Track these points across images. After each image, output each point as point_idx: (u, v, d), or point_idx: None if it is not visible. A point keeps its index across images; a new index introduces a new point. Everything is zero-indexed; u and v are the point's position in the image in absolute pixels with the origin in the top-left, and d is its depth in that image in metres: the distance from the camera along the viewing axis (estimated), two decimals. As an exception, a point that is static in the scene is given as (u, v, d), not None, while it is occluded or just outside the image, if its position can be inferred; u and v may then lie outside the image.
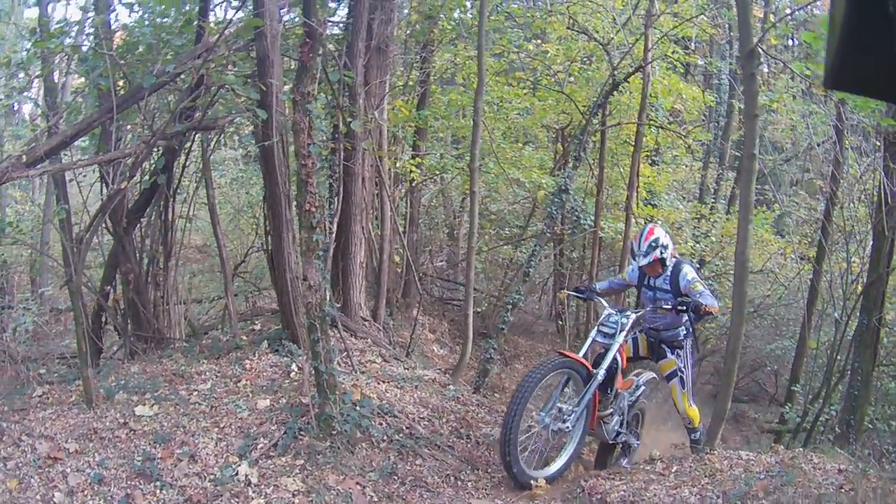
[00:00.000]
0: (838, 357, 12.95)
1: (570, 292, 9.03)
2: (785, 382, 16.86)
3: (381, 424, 7.44)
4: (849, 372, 12.07)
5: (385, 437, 7.27)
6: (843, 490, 6.91)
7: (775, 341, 18.85)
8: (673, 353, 8.25)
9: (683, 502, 6.96)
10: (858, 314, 12.02)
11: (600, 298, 8.25)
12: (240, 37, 8.26)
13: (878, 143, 12.62)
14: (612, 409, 7.98)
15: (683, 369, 8.29)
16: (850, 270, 13.41)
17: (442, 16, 13.33)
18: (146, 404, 7.11)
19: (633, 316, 7.66)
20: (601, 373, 7.34)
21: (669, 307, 7.77)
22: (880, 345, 12.18)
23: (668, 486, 7.36)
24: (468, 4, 14.33)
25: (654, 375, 8.85)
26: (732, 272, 11.16)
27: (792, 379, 15.18)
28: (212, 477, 6.24)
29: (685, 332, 8.30)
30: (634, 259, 7.96)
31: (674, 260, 8.09)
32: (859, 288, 12.66)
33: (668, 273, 8.05)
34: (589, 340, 7.78)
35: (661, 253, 7.86)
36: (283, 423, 7.02)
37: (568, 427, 7.43)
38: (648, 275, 8.18)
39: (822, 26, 9.69)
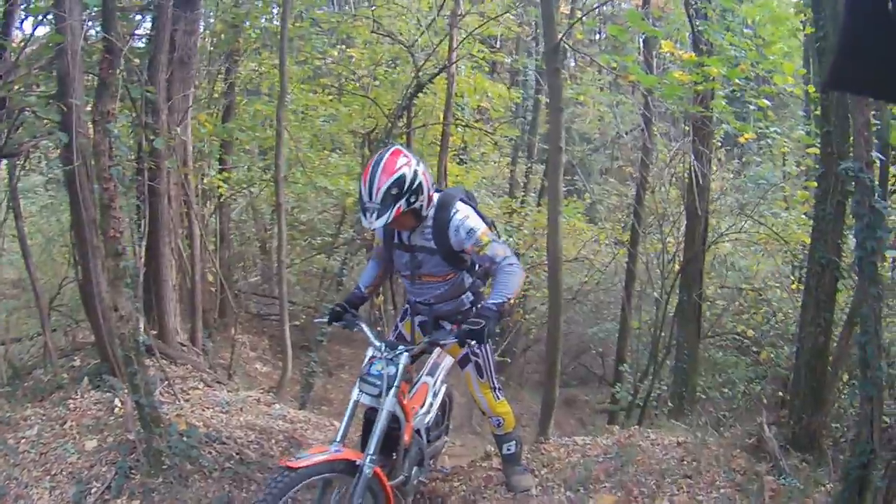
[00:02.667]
0: (662, 334, 13.38)
1: (321, 319, 5.96)
2: (612, 363, 17.35)
3: (210, 453, 7.12)
4: (674, 347, 12.44)
5: (217, 466, 6.95)
6: (685, 462, 7.03)
7: (597, 324, 19.47)
8: None
9: (525, 495, 6.93)
10: (678, 291, 12.40)
11: (363, 325, 5.39)
12: (42, 55, 7.76)
13: (686, 128, 13.10)
14: (404, 475, 5.53)
15: (478, 351, 5.79)
16: (666, 251, 13.84)
17: (247, 24, 13.06)
18: (-26, 458, 6.59)
19: (405, 356, 5.01)
20: (368, 462, 4.71)
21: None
22: (703, 318, 12.64)
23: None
24: (274, 11, 14.09)
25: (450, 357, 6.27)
26: (546, 263, 11.30)
27: (618, 359, 15.66)
28: (52, 529, 5.84)
29: (470, 299, 5.79)
30: (364, 214, 4.91)
31: (434, 197, 5.26)
32: (676, 267, 13.08)
33: (430, 221, 5.26)
34: (351, 405, 5.10)
35: (411, 201, 4.94)
36: (112, 463, 6.63)
37: None
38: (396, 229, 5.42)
39: (629, 19, 9.93)
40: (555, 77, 9.38)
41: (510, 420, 6.25)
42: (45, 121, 7.83)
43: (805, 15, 10.08)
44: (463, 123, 15.45)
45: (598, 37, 25.84)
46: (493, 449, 8.55)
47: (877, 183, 6.30)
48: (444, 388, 6.28)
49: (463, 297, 5.74)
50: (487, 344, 5.64)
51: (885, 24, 1.26)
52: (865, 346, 5.66)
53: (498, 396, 6.06)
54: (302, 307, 16.90)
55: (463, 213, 5.18)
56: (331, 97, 15.72)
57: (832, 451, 7.58)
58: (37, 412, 7.63)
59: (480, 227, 5.14)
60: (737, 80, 10.77)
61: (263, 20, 14.05)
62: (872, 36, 1.28)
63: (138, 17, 9.85)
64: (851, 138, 6.33)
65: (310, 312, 16.20)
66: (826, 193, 7.46)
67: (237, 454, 7.32)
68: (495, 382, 6.06)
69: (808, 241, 8.74)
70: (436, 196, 5.29)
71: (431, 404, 5.99)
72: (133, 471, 6.51)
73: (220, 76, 14.15)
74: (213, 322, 13.31)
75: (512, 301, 5.05)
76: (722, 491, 6.53)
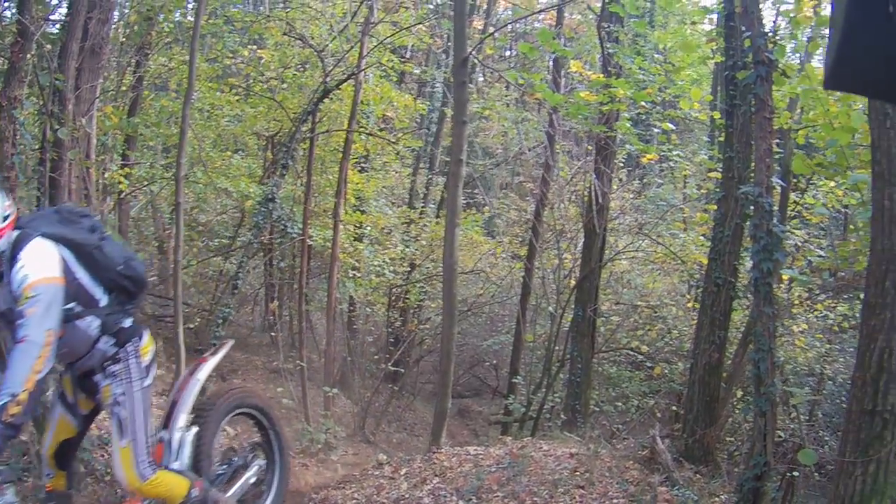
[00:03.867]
0: (556, 347, 13.56)
1: None
2: (505, 375, 17.49)
3: (102, 457, 6.96)
4: (568, 361, 12.63)
5: (109, 470, 6.78)
6: (577, 473, 7.17)
7: (491, 337, 19.55)
8: (108, 379, 4.54)
9: (416, 503, 6.99)
10: (573, 307, 12.60)
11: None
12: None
13: (589, 147, 13.34)
14: None
15: (123, 398, 4.57)
16: (563, 266, 14.04)
17: (161, 17, 12.84)
18: None
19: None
20: None
21: None
22: (597, 333, 12.87)
23: (400, 489, 7.39)
24: (189, 6, 13.90)
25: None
26: (442, 274, 11.38)
27: (512, 371, 15.80)
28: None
29: (112, 342, 4.59)
30: None
31: (12, 235, 4.06)
32: (572, 282, 13.28)
33: (6, 267, 4.05)
34: None
35: None
36: (5, 464, 6.37)
37: None
38: None
39: (540, 38, 10.10)
40: (461, 90, 9.50)
41: (174, 494, 4.71)
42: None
43: (716, 44, 10.38)
44: (367, 131, 15.44)
45: (508, 53, 26.14)
46: (384, 458, 8.60)
47: (776, 208, 6.56)
48: (194, 430, 5.06)
49: (99, 345, 4.52)
50: (135, 389, 4.61)
51: (885, 24, 1.28)
52: (759, 364, 5.87)
53: (145, 470, 4.51)
54: (197, 310, 16.59)
55: (25, 259, 3.96)
56: (238, 97, 15.55)
57: (726, 463, 7.85)
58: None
59: (34, 276, 3.91)
60: (643, 103, 11.07)
61: (178, 14, 13.78)
62: (872, 36, 1.30)
63: (55, 1, 9.61)
64: (753, 164, 6.54)
65: (205, 315, 15.96)
66: (725, 216, 7.75)
67: (129, 458, 7.17)
68: (146, 448, 4.60)
69: (705, 261, 9.04)
70: (13, 236, 4.07)
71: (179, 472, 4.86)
72: (26, 473, 6.22)
73: (129, 69, 13.81)
74: (109, 323, 12.99)
75: (25, 391, 3.67)
76: (615, 502, 6.68)
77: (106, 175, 12.68)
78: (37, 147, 8.36)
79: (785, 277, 9.16)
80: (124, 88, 13.51)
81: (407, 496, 7.30)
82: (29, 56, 6.71)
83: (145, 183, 15.67)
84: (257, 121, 15.73)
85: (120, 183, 13.04)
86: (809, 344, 10.95)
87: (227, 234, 18.16)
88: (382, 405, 16.47)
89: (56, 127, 8.38)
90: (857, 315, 7.72)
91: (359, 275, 16.66)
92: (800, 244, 10.61)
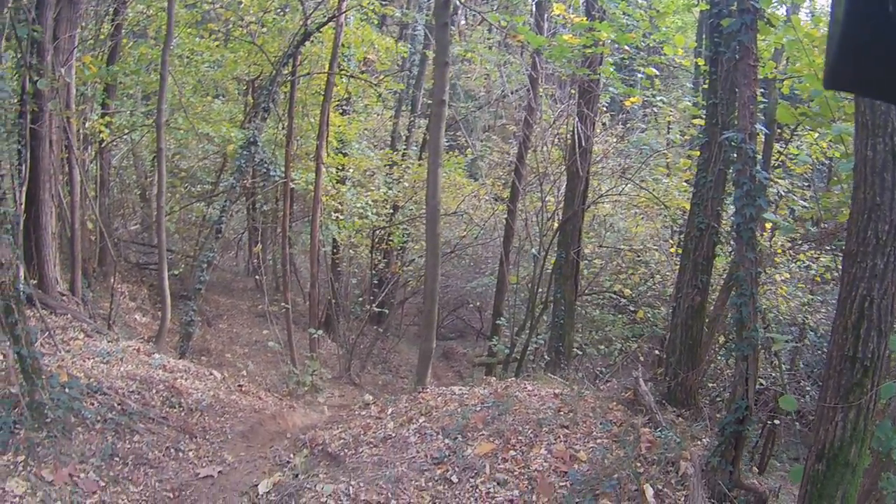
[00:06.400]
0: (540, 290, 13.65)
1: None
2: (489, 317, 17.65)
3: (92, 405, 7.05)
4: (552, 303, 12.73)
5: (99, 418, 6.90)
6: (561, 413, 7.29)
7: (475, 279, 19.68)
8: None
9: (403, 441, 7.11)
10: (556, 249, 12.67)
11: None
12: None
13: (573, 91, 13.32)
14: None
15: None
16: (545, 209, 14.08)
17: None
18: None
19: None
20: None
21: None
22: (580, 276, 12.95)
23: (387, 429, 7.51)
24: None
25: None
26: (425, 215, 11.42)
27: (495, 313, 15.92)
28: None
29: None
30: None
31: None
32: (555, 225, 13.34)
33: None
34: None
35: None
36: (-8, 417, 6.42)
37: None
38: None
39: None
40: (443, 31, 9.48)
41: None
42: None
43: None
44: (348, 73, 15.38)
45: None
46: (370, 398, 8.73)
47: (759, 155, 6.60)
48: None
49: None
50: None
51: (885, 25, 1.28)
52: (741, 308, 5.94)
53: None
54: (181, 256, 16.66)
55: None
56: (217, 43, 15.45)
57: (708, 408, 7.97)
58: (-85, 365, 7.40)
59: None
60: (626, 48, 11.05)
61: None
62: (872, 36, 1.30)
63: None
64: (736, 111, 6.56)
65: (189, 261, 16.03)
66: (708, 162, 7.80)
67: (119, 405, 7.27)
68: None
69: (688, 206, 9.11)
70: None
71: None
72: (17, 426, 6.28)
73: (107, 17, 13.64)
74: (93, 271, 13.08)
75: None
76: (598, 441, 6.80)
77: (87, 125, 12.67)
78: (16, 100, 8.32)
79: (768, 225, 9.25)
80: (102, 37, 13.42)
81: (393, 435, 7.42)
82: (6, 9, 6.63)
83: (126, 131, 15.64)
84: (237, 65, 15.68)
85: (101, 132, 12.97)
86: (791, 293, 11.06)
87: (209, 180, 18.23)
88: (367, 347, 16.62)
89: (35, 78, 8.35)
90: (840, 266, 7.85)
91: (342, 217, 16.69)
92: (783, 193, 10.65)
